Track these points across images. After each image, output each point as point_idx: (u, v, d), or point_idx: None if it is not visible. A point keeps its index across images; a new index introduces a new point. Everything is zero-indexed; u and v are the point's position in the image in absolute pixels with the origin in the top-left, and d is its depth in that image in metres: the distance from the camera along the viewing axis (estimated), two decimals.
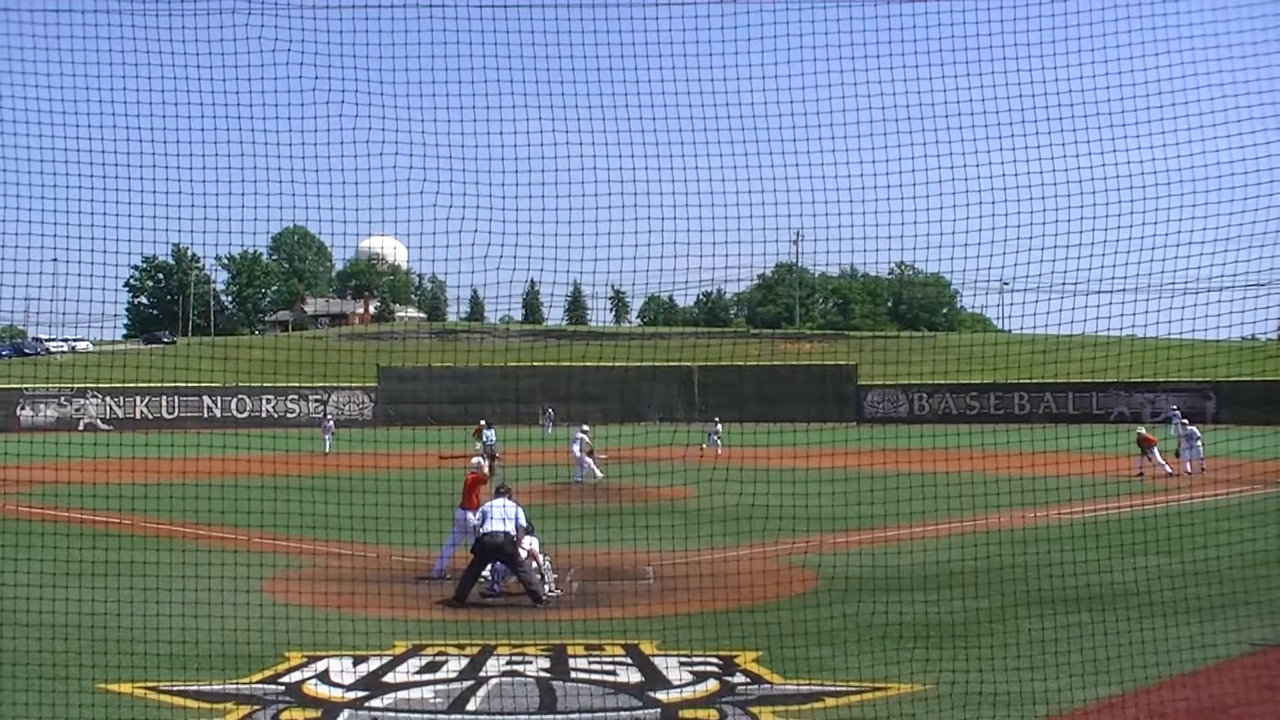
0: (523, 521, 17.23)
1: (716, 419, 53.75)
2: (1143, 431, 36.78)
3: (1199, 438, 36.73)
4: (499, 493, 17.65)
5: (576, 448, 36.64)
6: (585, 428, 38.66)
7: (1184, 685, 12.02)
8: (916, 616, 15.64)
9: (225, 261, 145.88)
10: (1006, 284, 76.45)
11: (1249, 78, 17.45)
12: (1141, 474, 34.61)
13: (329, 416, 63.69)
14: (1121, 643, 13.42)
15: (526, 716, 11.35)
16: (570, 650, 13.86)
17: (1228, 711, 11.28)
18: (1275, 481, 30.28)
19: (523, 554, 17.16)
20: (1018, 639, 13.99)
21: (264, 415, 75.36)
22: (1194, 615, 14.93)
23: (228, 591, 16.16)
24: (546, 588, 17.20)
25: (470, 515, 18.09)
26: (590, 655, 13.68)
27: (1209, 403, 67.78)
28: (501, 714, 11.41)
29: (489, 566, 17.44)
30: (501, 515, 17.02)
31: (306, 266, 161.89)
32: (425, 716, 11.38)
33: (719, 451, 47.12)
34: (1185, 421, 38.90)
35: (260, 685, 12.35)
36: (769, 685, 12.35)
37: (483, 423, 42.66)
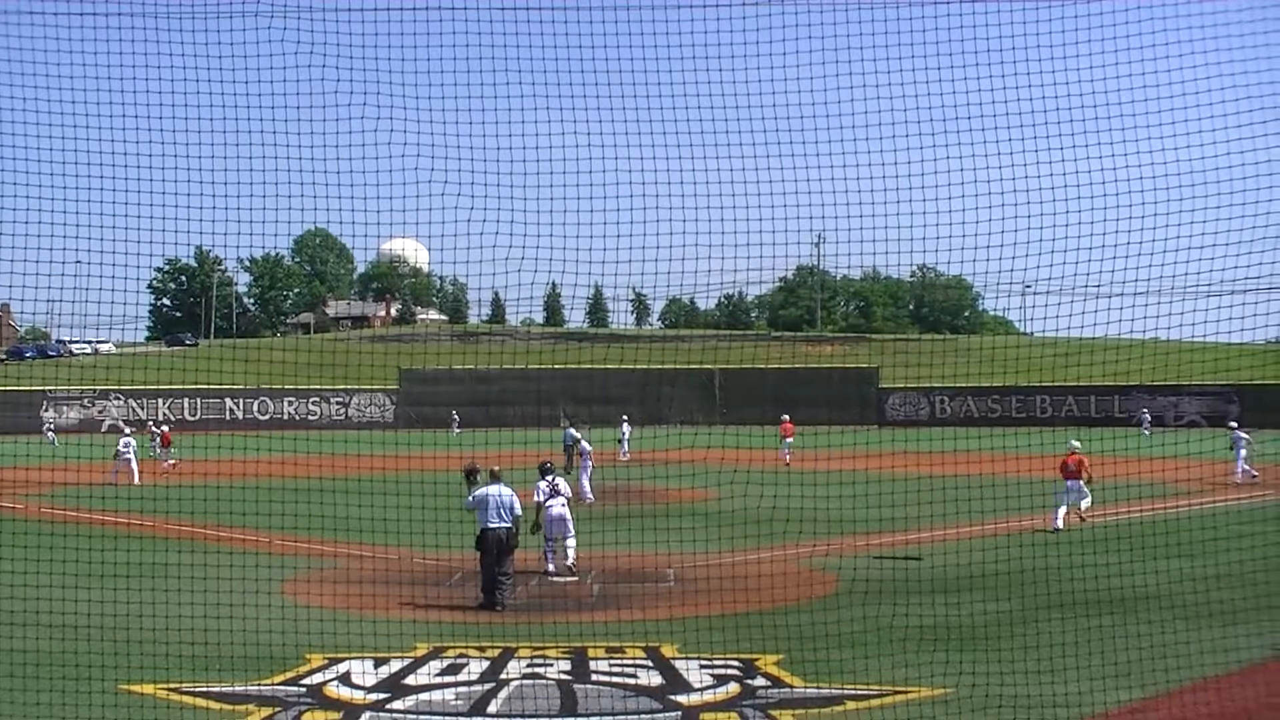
0: (518, 510, 17.35)
1: (625, 417, 52.81)
2: (786, 418, 46.35)
3: (1245, 441, 35.12)
4: (493, 478, 17.71)
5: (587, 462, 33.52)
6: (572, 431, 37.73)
7: (1208, 690, 11.94)
8: (938, 620, 15.58)
9: (247, 264, 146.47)
10: (1029, 286, 76.33)
11: (1274, 79, 17.37)
12: (789, 465, 40.87)
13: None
14: (1144, 646, 13.35)
15: (547, 719, 11.36)
16: (591, 653, 13.86)
17: (1252, 717, 11.21)
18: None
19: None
20: (1039, 642, 13.94)
21: (285, 417, 75.61)
22: (1218, 619, 14.85)
23: (249, 593, 16.22)
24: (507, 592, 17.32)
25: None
26: (611, 658, 13.68)
27: (1233, 406, 67.28)
28: (522, 716, 11.41)
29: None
30: (497, 505, 17.21)
31: (328, 269, 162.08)
32: (446, 719, 11.40)
33: (624, 456, 46.97)
34: (1234, 425, 37.78)
35: (281, 687, 12.39)
36: (790, 688, 12.33)
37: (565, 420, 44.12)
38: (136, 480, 35.20)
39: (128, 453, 36.40)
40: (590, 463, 33.67)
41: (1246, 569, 17.46)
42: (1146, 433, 56.80)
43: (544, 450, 40.73)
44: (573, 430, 41.25)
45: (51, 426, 64.11)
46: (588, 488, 32.29)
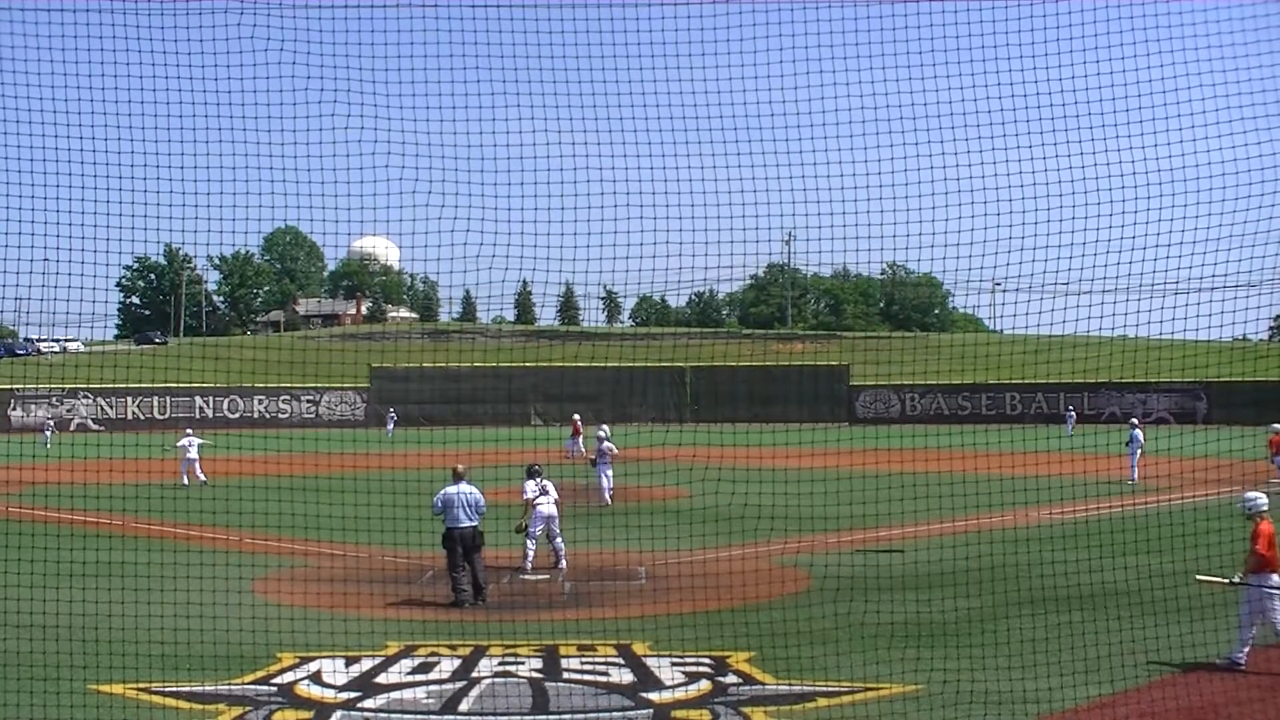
0: (483, 507, 17.32)
1: (576, 417, 49.75)
2: (576, 418, 47.35)
3: (1139, 441, 34.97)
4: (455, 478, 17.58)
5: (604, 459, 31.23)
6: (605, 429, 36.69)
7: (1175, 685, 12.05)
8: (909, 617, 15.66)
9: (217, 262, 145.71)
10: (998, 284, 76.60)
11: (1239, 78, 17.50)
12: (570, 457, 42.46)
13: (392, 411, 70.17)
14: (1112, 642, 13.46)
15: (519, 717, 11.35)
16: (562, 651, 13.86)
17: (1218, 711, 11.31)
18: (1265, 481, 30.20)
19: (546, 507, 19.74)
20: (1009, 639, 14.02)
21: (256, 416, 75.22)
22: (1184, 615, 14.96)
23: (219, 592, 16.16)
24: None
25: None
26: (582, 656, 13.69)
27: (1200, 403, 67.90)
28: (494, 714, 11.41)
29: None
30: (463, 504, 17.14)
31: (298, 267, 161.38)
32: (418, 717, 11.38)
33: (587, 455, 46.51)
34: (1134, 422, 37.59)
35: (252, 686, 12.35)
36: (761, 686, 12.36)
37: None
38: (201, 479, 34.60)
39: (191, 452, 35.87)
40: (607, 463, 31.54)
41: (1214, 564, 17.58)
42: (1070, 433, 57.14)
43: (514, 449, 40.73)
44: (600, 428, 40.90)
45: (50, 427, 62.88)
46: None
